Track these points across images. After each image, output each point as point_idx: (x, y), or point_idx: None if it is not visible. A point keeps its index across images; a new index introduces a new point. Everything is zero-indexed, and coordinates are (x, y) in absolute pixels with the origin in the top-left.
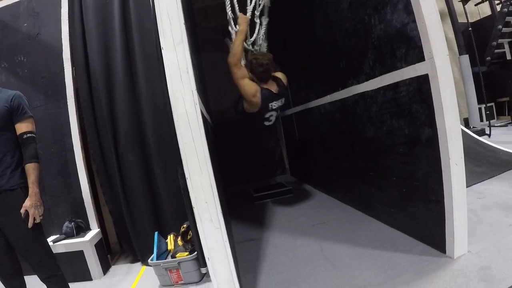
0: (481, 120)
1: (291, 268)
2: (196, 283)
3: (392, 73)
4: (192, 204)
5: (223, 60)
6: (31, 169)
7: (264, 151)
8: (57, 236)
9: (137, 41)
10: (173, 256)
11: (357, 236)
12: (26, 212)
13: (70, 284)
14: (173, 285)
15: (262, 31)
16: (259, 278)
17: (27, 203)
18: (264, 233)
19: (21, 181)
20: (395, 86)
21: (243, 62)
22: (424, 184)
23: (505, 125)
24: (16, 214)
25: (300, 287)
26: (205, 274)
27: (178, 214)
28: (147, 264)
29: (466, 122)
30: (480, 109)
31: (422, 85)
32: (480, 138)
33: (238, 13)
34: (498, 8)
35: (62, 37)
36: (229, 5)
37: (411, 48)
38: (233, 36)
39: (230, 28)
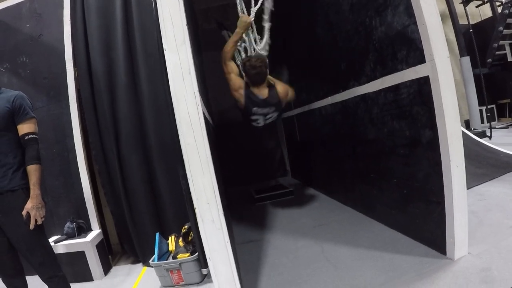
0: (482, 122)
1: (292, 270)
2: (197, 284)
3: (393, 75)
4: (194, 205)
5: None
6: (32, 170)
7: (265, 153)
8: (59, 236)
9: (139, 42)
10: (174, 257)
11: (358, 238)
12: (28, 214)
13: (71, 285)
14: (174, 286)
15: (267, 35)
16: (260, 279)
17: (29, 205)
18: (265, 235)
19: (23, 182)
20: (396, 88)
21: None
22: (424, 186)
23: (506, 127)
24: (17, 215)
25: None
26: (206, 275)
27: (179, 215)
28: (148, 265)
29: (467, 124)
30: (481, 111)
31: (423, 87)
32: (481, 140)
33: (240, 14)
34: (499, 9)
35: (64, 38)
36: (240, 6)
37: (412, 50)
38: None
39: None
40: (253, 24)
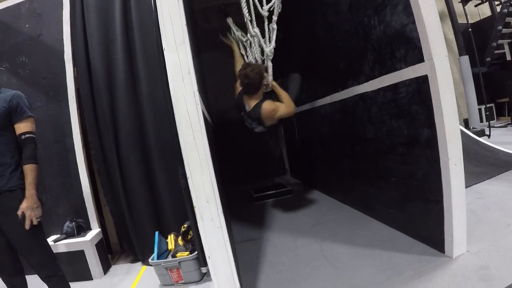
0: (481, 121)
1: (291, 268)
2: (197, 282)
3: (391, 74)
4: (193, 203)
5: (224, 60)
6: (28, 170)
7: (264, 152)
8: (58, 236)
9: (138, 42)
10: (174, 256)
11: (357, 236)
12: (23, 214)
13: (71, 284)
14: (174, 284)
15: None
16: (259, 277)
17: (24, 205)
18: (264, 233)
19: (21, 181)
20: (395, 87)
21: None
22: (423, 184)
23: (505, 126)
24: (16, 215)
25: (300, 286)
26: (205, 273)
27: (179, 214)
28: (148, 264)
29: (466, 123)
30: (480, 110)
31: (422, 86)
32: (480, 139)
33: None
34: (498, 9)
35: (64, 38)
36: (246, 7)
37: (411, 49)
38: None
39: (249, 30)
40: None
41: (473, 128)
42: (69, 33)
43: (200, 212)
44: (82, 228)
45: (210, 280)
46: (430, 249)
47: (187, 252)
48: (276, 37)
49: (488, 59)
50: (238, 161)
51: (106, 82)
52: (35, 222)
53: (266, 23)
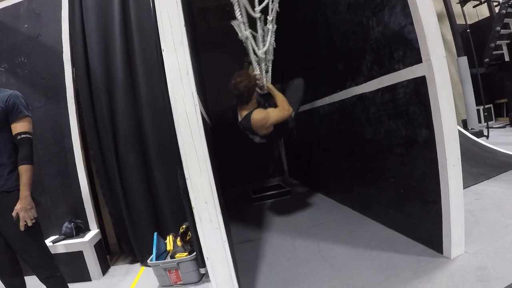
0: (479, 121)
1: (290, 269)
2: (195, 283)
3: (390, 74)
4: (192, 204)
5: (222, 61)
6: (23, 171)
7: (263, 153)
8: (57, 236)
9: (137, 42)
10: (172, 257)
11: (355, 237)
12: (18, 215)
13: (69, 285)
14: (172, 285)
15: (272, 38)
16: (258, 278)
17: (18, 206)
18: (263, 234)
19: (18, 183)
20: (393, 87)
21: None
22: (421, 185)
23: (503, 127)
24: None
25: (299, 287)
26: (204, 274)
27: (177, 215)
28: (146, 265)
29: (464, 124)
30: (478, 110)
31: (420, 86)
32: (478, 140)
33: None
34: (497, 10)
35: (63, 38)
36: (238, 9)
37: (409, 50)
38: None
39: (242, 33)
40: (258, 22)
41: (471, 129)
42: (68, 33)
43: (199, 213)
44: (81, 229)
45: (208, 281)
46: (428, 249)
47: (186, 253)
48: (275, 38)
49: (487, 60)
50: (236, 162)
51: (105, 82)
52: (29, 224)
53: (258, 24)
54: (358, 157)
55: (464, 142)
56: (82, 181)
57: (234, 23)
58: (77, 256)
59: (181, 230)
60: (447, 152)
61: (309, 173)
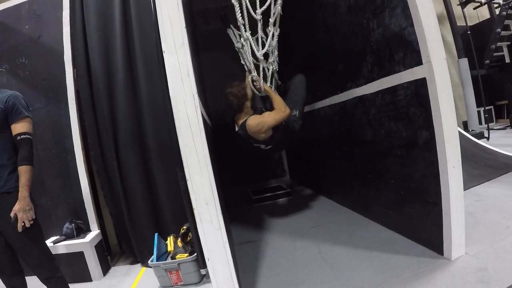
0: (480, 123)
1: (290, 270)
2: (196, 284)
3: (390, 76)
4: (193, 205)
5: (223, 62)
6: (22, 171)
7: (264, 154)
8: (58, 237)
9: (137, 44)
10: (173, 258)
11: (355, 238)
12: (16, 215)
13: (70, 285)
14: (173, 286)
15: (274, 42)
16: (258, 279)
17: (16, 207)
18: (263, 235)
19: (18, 184)
20: (393, 89)
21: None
22: (421, 186)
23: (504, 128)
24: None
25: None
26: (204, 275)
27: (178, 216)
28: (147, 265)
29: (465, 125)
30: (479, 112)
31: (420, 88)
32: (479, 141)
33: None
34: (497, 11)
35: (64, 39)
36: (239, 11)
37: (409, 52)
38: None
39: (240, 32)
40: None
41: (472, 130)
42: (69, 34)
43: (199, 214)
44: (82, 230)
45: (209, 282)
46: (429, 251)
47: (186, 254)
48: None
49: (487, 61)
50: (237, 163)
51: (106, 83)
52: (27, 224)
53: (259, 26)
54: (359, 159)
55: (465, 143)
56: (82, 181)
57: (229, 32)
58: (78, 257)
59: (182, 231)
60: (447, 154)
61: (309, 174)
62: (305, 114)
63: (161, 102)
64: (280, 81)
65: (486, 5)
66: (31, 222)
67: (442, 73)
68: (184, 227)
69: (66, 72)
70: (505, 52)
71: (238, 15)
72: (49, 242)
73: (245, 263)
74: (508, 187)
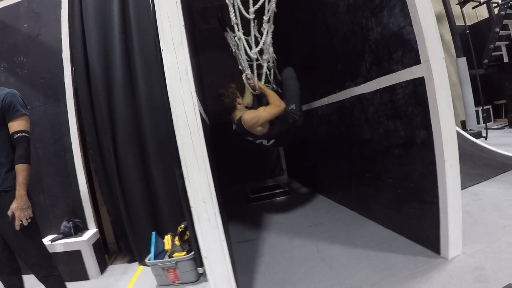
0: (478, 122)
1: (288, 268)
2: (193, 282)
3: (388, 75)
4: (190, 203)
5: (222, 60)
6: (19, 170)
7: (262, 152)
8: (55, 235)
9: (136, 42)
10: (170, 256)
11: (353, 237)
12: (13, 214)
13: (67, 284)
14: (170, 284)
15: (269, 39)
16: (256, 278)
17: (13, 205)
18: (261, 234)
19: (14, 182)
20: (392, 88)
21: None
22: (419, 186)
23: (502, 128)
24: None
25: (296, 287)
26: (202, 274)
27: (176, 214)
28: (145, 264)
29: (463, 125)
30: (477, 111)
31: (418, 87)
32: (477, 141)
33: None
34: (496, 11)
35: (62, 37)
36: (232, 11)
37: (408, 51)
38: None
39: (234, 34)
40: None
41: (470, 129)
42: (67, 32)
43: (197, 212)
44: (79, 228)
45: (206, 280)
46: (426, 250)
47: (184, 253)
48: (277, 37)
49: (486, 61)
50: (235, 162)
51: (104, 81)
52: (25, 223)
53: (252, 25)
54: (357, 158)
55: (463, 143)
56: (81, 180)
57: (227, 35)
58: (76, 255)
59: (180, 230)
60: (445, 153)
61: (307, 173)
62: (303, 113)
63: (160, 101)
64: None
65: (484, 4)
66: (29, 221)
67: (440, 72)
68: (182, 226)
69: (64, 71)
70: (504, 52)
71: (232, 15)
72: (47, 241)
73: (243, 261)
74: (506, 187)
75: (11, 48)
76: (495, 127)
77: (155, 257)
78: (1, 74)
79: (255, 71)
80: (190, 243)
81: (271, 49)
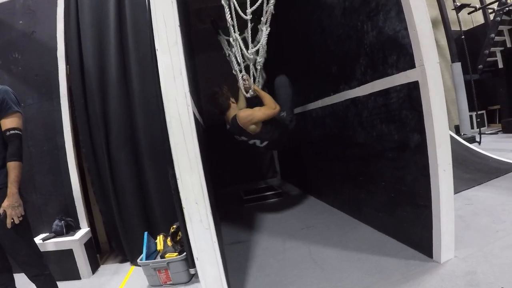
0: (472, 127)
1: (280, 271)
2: (185, 283)
3: (383, 79)
4: (182, 204)
5: (218, 61)
6: (11, 167)
7: (255, 154)
8: (47, 234)
9: (131, 41)
10: (162, 257)
11: (346, 240)
12: (5, 212)
13: (58, 283)
14: (162, 285)
15: (265, 40)
16: (248, 280)
17: (5, 203)
18: (254, 236)
19: (6, 180)
20: (386, 92)
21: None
22: (412, 189)
23: (496, 133)
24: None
25: None
26: (193, 275)
27: (168, 214)
28: (136, 264)
29: (457, 129)
30: (471, 116)
31: (412, 91)
32: (470, 145)
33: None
34: (491, 17)
35: (57, 35)
36: (228, 12)
37: (403, 55)
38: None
39: (227, 37)
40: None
41: (464, 134)
42: (63, 30)
43: (189, 213)
44: (71, 227)
45: (198, 281)
46: (418, 253)
47: (176, 253)
48: (268, 39)
49: (480, 66)
50: (229, 163)
51: (99, 80)
52: (16, 221)
53: (249, 25)
54: (350, 161)
55: (456, 147)
56: (73, 179)
57: (220, 39)
58: (67, 255)
59: (172, 230)
60: (438, 157)
61: (301, 175)
62: (297, 115)
63: (154, 100)
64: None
65: (480, 10)
66: (20, 219)
67: (435, 76)
68: (174, 226)
69: (59, 69)
70: (498, 58)
71: (228, 16)
72: (38, 239)
73: (235, 263)
74: (499, 192)
75: (6, 44)
76: (489, 132)
77: (147, 258)
78: None
79: (251, 72)
80: (182, 244)
81: (264, 50)
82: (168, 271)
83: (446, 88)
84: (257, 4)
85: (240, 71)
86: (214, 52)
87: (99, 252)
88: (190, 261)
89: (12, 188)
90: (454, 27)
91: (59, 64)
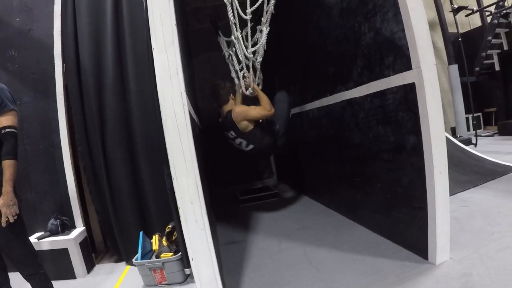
0: (468, 129)
1: (275, 271)
2: (180, 283)
3: (380, 80)
4: (178, 204)
5: (215, 61)
6: (6, 166)
7: (251, 155)
8: (42, 233)
9: (128, 40)
10: (158, 256)
11: (341, 241)
12: None
13: (53, 282)
14: (157, 285)
15: (264, 40)
16: (243, 280)
17: (0, 202)
18: (249, 236)
19: (2, 178)
20: (382, 93)
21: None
22: (408, 191)
23: (492, 135)
24: None
25: None
26: (189, 275)
27: (164, 214)
28: (132, 264)
29: (453, 131)
30: (467, 118)
31: (409, 93)
32: (466, 148)
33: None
34: (488, 19)
35: (54, 33)
36: (231, 10)
37: (399, 56)
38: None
39: (227, 38)
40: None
41: (460, 136)
42: (60, 28)
43: (184, 213)
44: (67, 226)
45: (193, 281)
46: (414, 255)
47: (171, 253)
48: (268, 39)
49: (477, 68)
50: (225, 164)
51: (95, 78)
52: (11, 220)
53: (249, 25)
54: (347, 162)
55: (452, 149)
56: (69, 177)
57: (219, 40)
58: (62, 254)
59: (167, 230)
60: (434, 159)
61: (297, 176)
62: (294, 116)
63: (150, 100)
64: (271, 85)
65: (478, 13)
66: (15, 218)
67: (431, 78)
68: (170, 226)
69: (55, 67)
70: (495, 60)
71: (230, 14)
72: (33, 238)
73: (230, 263)
74: (494, 194)
75: (2, 41)
76: (485, 134)
77: (142, 257)
78: None
79: (251, 69)
80: (178, 244)
81: (263, 49)
82: (163, 271)
83: (443, 90)
84: (257, 4)
85: (241, 69)
86: (212, 52)
87: (94, 252)
88: (185, 261)
89: (7, 187)
90: (451, 29)
91: (55, 62)
